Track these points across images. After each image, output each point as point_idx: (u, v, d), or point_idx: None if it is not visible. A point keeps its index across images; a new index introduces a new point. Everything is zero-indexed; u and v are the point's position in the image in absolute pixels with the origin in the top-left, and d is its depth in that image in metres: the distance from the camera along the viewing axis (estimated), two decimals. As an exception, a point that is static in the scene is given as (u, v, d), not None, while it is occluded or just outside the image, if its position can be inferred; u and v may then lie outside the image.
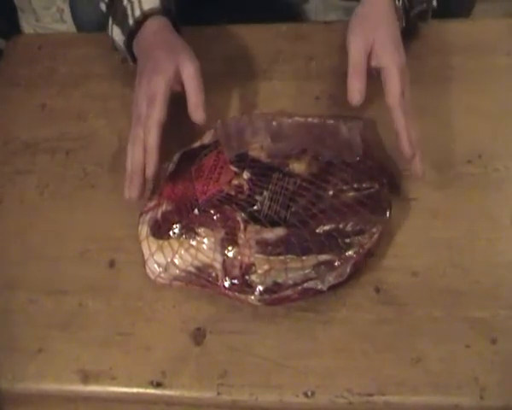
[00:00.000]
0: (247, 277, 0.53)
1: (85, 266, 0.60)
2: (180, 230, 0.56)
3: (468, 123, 0.64)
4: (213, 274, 0.54)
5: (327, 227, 0.54)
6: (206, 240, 0.55)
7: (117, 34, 0.65)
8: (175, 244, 0.56)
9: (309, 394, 0.52)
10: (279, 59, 0.72)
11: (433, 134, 0.64)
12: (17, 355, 0.56)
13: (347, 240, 0.54)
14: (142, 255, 0.57)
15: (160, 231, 0.57)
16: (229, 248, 0.54)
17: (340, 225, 0.54)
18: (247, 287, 0.53)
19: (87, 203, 0.64)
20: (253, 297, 0.53)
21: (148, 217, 0.59)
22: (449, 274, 0.56)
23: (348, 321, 0.55)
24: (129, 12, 0.63)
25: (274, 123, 0.61)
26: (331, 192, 0.56)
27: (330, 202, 0.56)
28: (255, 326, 0.55)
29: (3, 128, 0.72)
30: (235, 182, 0.57)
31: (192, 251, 0.55)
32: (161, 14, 0.63)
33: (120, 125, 0.69)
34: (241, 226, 0.54)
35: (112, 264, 0.60)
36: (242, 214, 0.55)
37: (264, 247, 0.54)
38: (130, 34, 0.63)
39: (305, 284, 0.53)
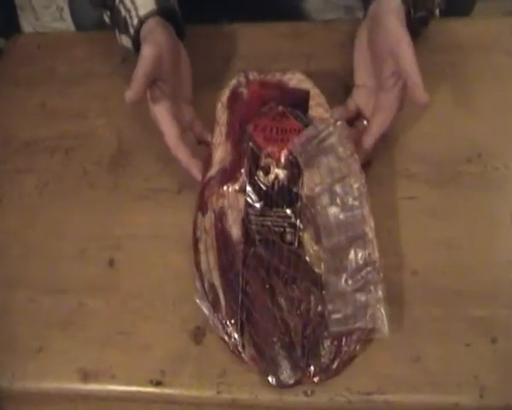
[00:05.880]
0: None
1: (85, 265, 0.60)
2: None
3: (467, 122, 0.64)
4: None
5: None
6: None
7: (127, 42, 0.65)
8: None
9: (308, 392, 0.52)
10: (278, 58, 0.71)
11: (432, 133, 0.64)
12: (17, 354, 0.57)
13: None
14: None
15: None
16: None
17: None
18: None
19: (87, 202, 0.64)
20: None
21: None
22: (448, 273, 0.56)
23: (348, 320, 0.55)
24: (129, 21, 0.63)
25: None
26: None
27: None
28: (255, 325, 0.55)
29: (3, 127, 0.72)
30: (273, 174, 0.57)
31: None
32: (157, 16, 0.63)
33: (120, 124, 0.69)
34: None
35: (111, 263, 0.60)
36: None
37: None
38: (135, 43, 0.63)
39: None
